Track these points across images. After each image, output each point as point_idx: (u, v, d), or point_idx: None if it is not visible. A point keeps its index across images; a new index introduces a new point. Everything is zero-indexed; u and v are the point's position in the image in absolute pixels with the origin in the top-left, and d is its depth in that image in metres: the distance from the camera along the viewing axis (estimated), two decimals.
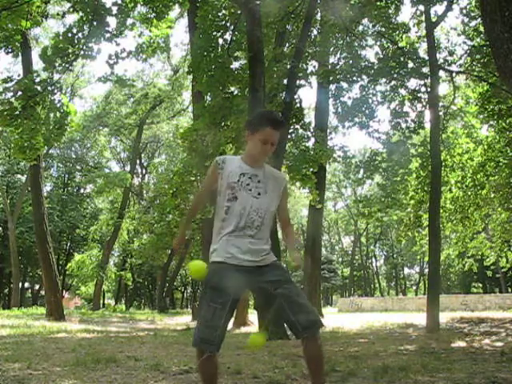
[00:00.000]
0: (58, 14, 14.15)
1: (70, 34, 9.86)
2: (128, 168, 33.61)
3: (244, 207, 2.49)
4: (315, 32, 13.18)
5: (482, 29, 10.39)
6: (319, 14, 12.82)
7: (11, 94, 10.03)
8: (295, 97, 11.75)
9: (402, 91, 12.34)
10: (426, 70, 11.19)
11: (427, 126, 12.34)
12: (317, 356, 2.47)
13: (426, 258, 13.35)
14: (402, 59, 11.57)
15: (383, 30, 12.22)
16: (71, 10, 10.25)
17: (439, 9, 41.94)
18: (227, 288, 2.42)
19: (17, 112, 10.03)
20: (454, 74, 12.93)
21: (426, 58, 11.07)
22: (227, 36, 11.40)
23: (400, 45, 12.29)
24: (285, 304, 2.43)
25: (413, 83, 12.60)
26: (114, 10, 9.89)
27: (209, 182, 2.67)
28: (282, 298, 2.44)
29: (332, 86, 13.37)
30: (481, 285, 41.89)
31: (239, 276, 2.44)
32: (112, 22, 10.32)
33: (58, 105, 10.57)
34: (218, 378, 2.55)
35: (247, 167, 2.58)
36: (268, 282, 2.47)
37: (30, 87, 9.96)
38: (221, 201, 2.55)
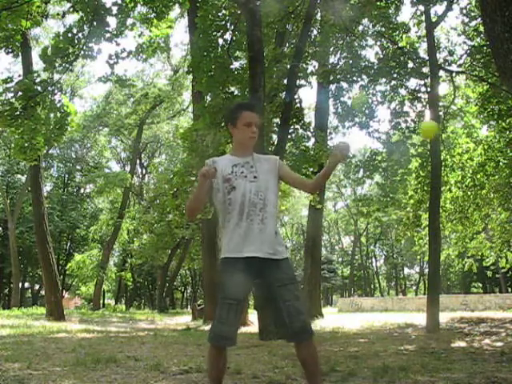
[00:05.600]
0: (58, 14, 14.14)
1: (70, 34, 9.84)
2: (128, 168, 33.59)
3: (243, 194, 2.53)
4: (315, 32, 13.16)
5: (482, 29, 10.39)
6: (319, 13, 12.82)
7: (11, 94, 10.03)
8: (295, 97, 11.73)
9: (402, 91, 12.35)
10: (426, 69, 11.20)
11: None
12: (308, 360, 2.48)
13: (426, 258, 13.35)
14: (402, 59, 11.57)
15: (383, 29, 12.21)
16: (71, 10, 10.24)
17: (439, 9, 41.96)
18: (238, 284, 2.46)
19: (17, 112, 10.02)
20: (454, 74, 12.93)
21: (426, 57, 11.08)
22: (227, 36, 11.39)
23: (400, 45, 12.27)
24: (282, 304, 2.44)
25: (413, 83, 12.62)
26: (114, 9, 9.87)
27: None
28: (281, 298, 2.45)
29: (332, 86, 13.37)
30: (481, 285, 41.88)
31: (248, 271, 2.47)
32: (112, 21, 10.31)
33: (59, 105, 10.56)
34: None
35: (237, 158, 2.66)
36: (273, 277, 2.48)
37: (30, 87, 9.95)
38: (221, 197, 2.59)
